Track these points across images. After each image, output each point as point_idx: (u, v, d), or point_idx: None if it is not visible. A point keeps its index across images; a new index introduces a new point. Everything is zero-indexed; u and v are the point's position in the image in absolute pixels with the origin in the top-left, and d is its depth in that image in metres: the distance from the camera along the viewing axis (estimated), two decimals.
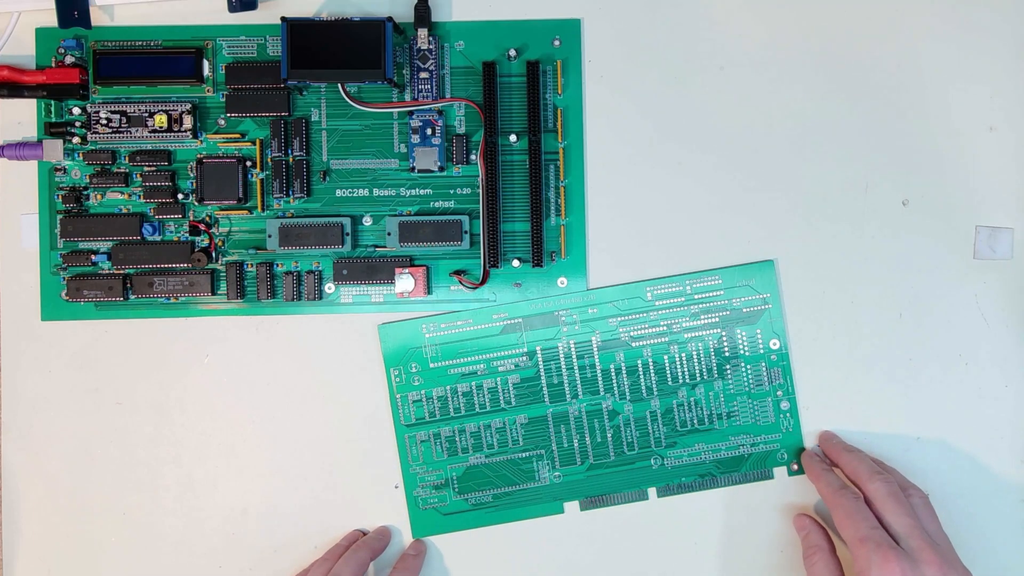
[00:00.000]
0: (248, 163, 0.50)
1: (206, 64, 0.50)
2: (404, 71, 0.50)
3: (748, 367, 0.50)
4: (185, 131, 0.50)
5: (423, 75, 0.50)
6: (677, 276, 0.50)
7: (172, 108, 0.50)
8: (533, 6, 0.50)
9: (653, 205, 0.51)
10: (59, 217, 0.50)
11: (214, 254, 0.50)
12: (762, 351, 0.50)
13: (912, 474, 0.49)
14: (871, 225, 0.51)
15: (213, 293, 0.50)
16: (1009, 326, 0.51)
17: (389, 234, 0.50)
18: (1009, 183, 0.51)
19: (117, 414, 0.51)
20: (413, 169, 0.50)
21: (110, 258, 0.50)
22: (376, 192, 0.50)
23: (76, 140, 0.50)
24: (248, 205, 0.50)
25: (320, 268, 0.50)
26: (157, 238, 0.50)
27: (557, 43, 0.50)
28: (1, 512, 0.51)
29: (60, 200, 0.50)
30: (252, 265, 0.50)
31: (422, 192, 0.50)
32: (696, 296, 0.50)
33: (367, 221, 0.50)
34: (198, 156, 0.50)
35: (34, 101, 0.50)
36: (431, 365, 0.50)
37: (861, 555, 0.43)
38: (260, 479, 0.51)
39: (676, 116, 0.50)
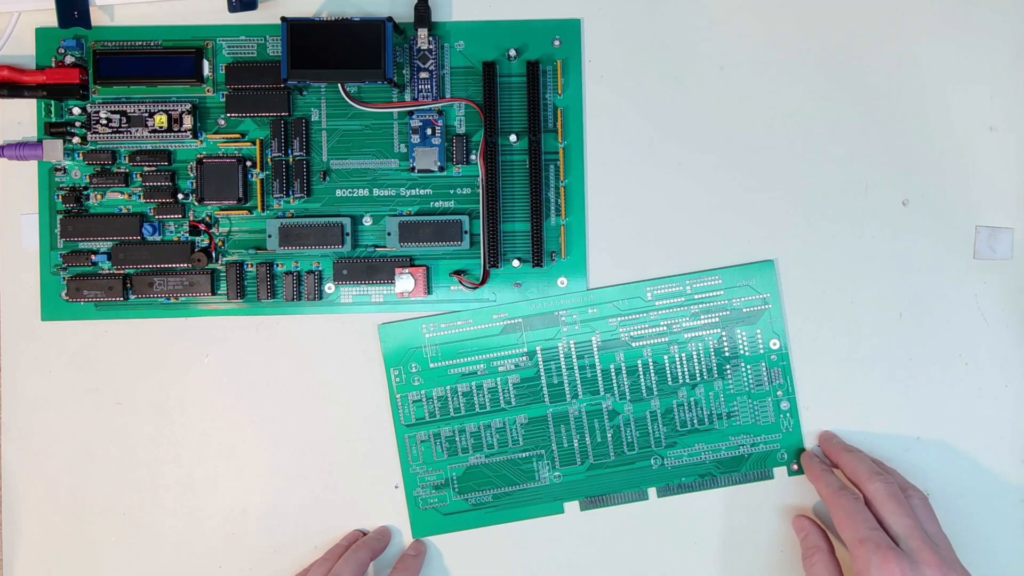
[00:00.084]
0: (248, 163, 0.50)
1: (206, 64, 0.50)
2: (404, 71, 0.50)
3: (748, 367, 0.50)
4: (185, 131, 0.50)
5: (423, 75, 0.50)
6: (677, 276, 0.50)
7: (172, 108, 0.50)
8: (533, 6, 0.50)
9: (653, 205, 0.51)
10: (59, 217, 0.50)
11: (214, 254, 0.50)
12: (762, 351, 0.50)
13: (912, 474, 0.49)
14: (871, 225, 0.51)
15: (213, 293, 0.50)
16: (1009, 326, 0.51)
17: (389, 234, 0.50)
18: (1009, 183, 0.51)
19: (117, 414, 0.51)
20: (413, 169, 0.50)
21: (110, 258, 0.50)
22: (376, 192, 0.50)
23: (76, 140, 0.50)
24: (248, 205, 0.50)
25: (320, 268, 0.50)
26: (157, 238, 0.50)
27: (557, 43, 0.50)
28: (1, 512, 0.51)
29: (60, 200, 0.50)
30: (252, 265, 0.50)
31: (422, 192, 0.50)
32: (696, 296, 0.50)
33: (367, 221, 0.50)
34: (198, 156, 0.50)
35: (34, 101, 0.50)
36: (431, 365, 0.50)
37: (860, 556, 0.43)
38: (260, 479, 0.51)
39: (676, 116, 0.50)
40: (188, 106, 0.50)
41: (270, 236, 0.50)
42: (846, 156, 0.50)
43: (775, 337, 0.50)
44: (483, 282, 0.50)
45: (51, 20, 0.49)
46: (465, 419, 0.51)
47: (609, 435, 0.51)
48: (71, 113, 0.50)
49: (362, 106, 0.50)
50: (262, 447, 0.51)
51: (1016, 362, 0.51)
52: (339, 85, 0.49)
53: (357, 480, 0.51)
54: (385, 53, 0.47)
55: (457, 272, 0.50)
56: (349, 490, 0.51)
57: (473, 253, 0.50)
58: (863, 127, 0.50)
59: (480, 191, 0.49)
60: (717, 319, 0.50)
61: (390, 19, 0.47)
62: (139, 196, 0.50)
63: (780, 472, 0.51)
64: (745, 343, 0.50)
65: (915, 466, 0.50)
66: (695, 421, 0.50)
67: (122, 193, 0.50)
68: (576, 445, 0.51)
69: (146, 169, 0.50)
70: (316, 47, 0.47)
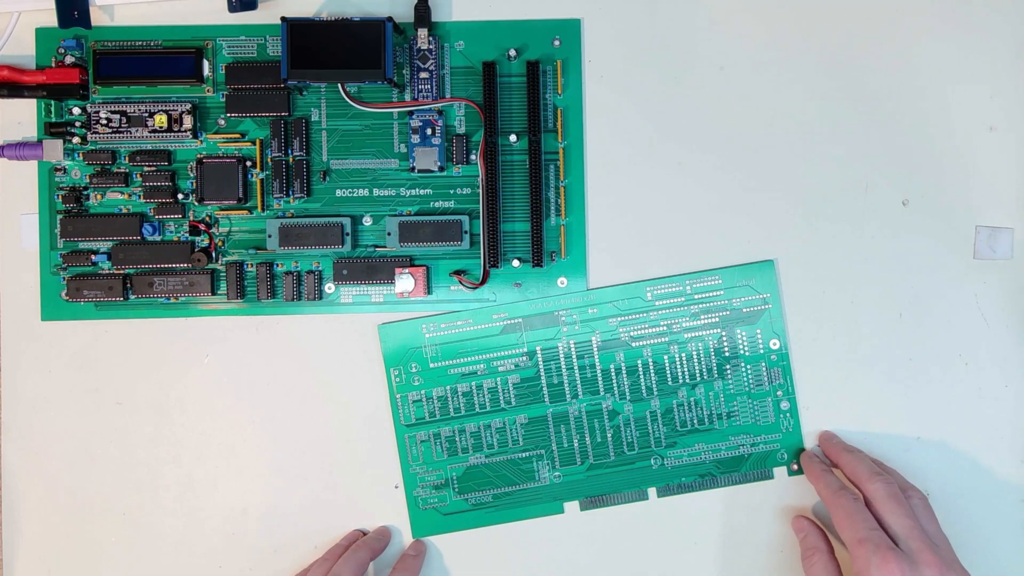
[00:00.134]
0: (248, 163, 0.50)
1: (206, 64, 0.50)
2: (404, 71, 0.50)
3: (748, 367, 0.50)
4: (185, 131, 0.50)
5: (423, 75, 0.50)
6: (677, 276, 0.50)
7: (172, 108, 0.50)
8: (533, 6, 0.50)
9: (653, 205, 0.51)
10: (59, 217, 0.50)
11: (214, 254, 0.50)
12: (762, 351, 0.50)
13: (912, 474, 0.49)
14: (871, 225, 0.51)
15: (213, 293, 0.50)
16: (1009, 326, 0.51)
17: (389, 234, 0.50)
18: (1009, 183, 0.51)
19: (117, 414, 0.51)
20: (413, 169, 0.50)
21: (110, 258, 0.50)
22: (376, 192, 0.50)
23: (76, 140, 0.50)
24: (248, 205, 0.50)
25: (320, 268, 0.50)
26: (157, 238, 0.50)
27: (557, 43, 0.50)
28: (1, 512, 0.51)
29: (60, 200, 0.50)
30: (252, 265, 0.50)
31: (422, 192, 0.50)
32: (696, 296, 0.50)
33: (367, 221, 0.50)
34: (198, 156, 0.50)
35: (34, 101, 0.50)
36: (431, 365, 0.50)
37: (860, 556, 0.43)
38: (260, 479, 0.51)
39: (676, 116, 0.50)
40: (188, 106, 0.50)
41: (270, 236, 0.50)
42: (846, 156, 0.50)
43: (775, 337, 0.50)
44: (483, 282, 0.50)
45: (51, 20, 0.49)
46: (465, 419, 0.51)
47: (609, 435, 0.51)
48: (71, 113, 0.50)
49: (362, 106, 0.50)
50: (262, 447, 0.51)
51: (1016, 362, 0.51)
52: (339, 85, 0.49)
53: (357, 480, 0.51)
54: (385, 53, 0.47)
55: (457, 272, 0.50)
56: (349, 490, 0.51)
57: (473, 253, 0.50)
58: (863, 127, 0.50)
59: (480, 191, 0.49)
60: (717, 319, 0.50)
61: (390, 19, 0.47)
62: (139, 196, 0.50)
63: (780, 472, 0.51)
64: (745, 343, 0.50)
65: (915, 466, 0.50)
66: (695, 421, 0.50)
67: (122, 193, 0.50)
68: (576, 445, 0.51)
69: (146, 169, 0.50)
70: (316, 47, 0.47)
